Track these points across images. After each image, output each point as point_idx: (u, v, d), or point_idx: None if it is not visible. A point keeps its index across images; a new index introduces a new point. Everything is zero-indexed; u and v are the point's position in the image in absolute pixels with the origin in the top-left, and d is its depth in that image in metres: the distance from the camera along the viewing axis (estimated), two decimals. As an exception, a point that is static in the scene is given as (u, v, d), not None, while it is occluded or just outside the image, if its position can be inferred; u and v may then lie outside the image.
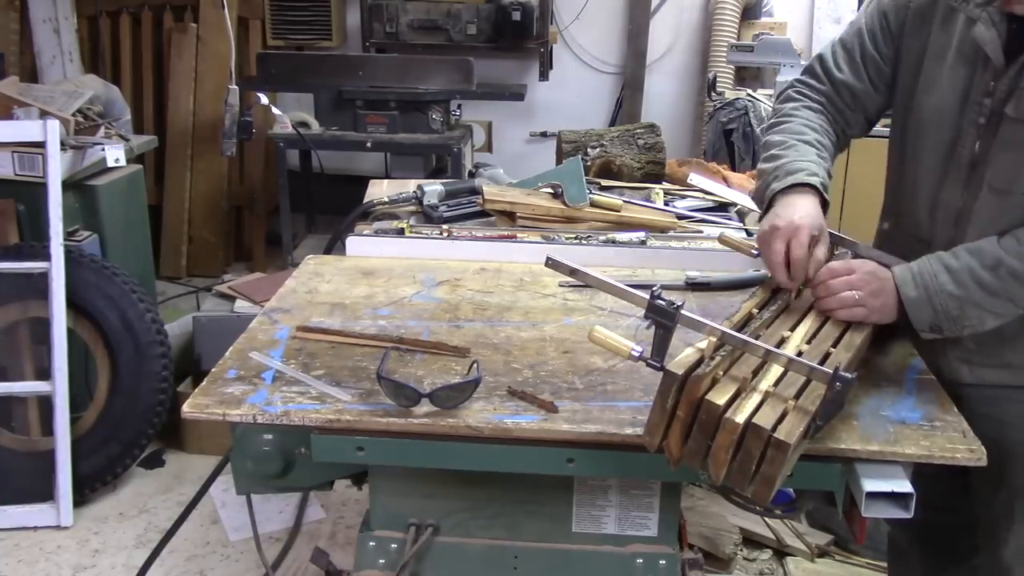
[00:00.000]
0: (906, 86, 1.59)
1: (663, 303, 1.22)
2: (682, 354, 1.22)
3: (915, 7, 1.57)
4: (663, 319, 1.22)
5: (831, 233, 1.60)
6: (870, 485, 1.23)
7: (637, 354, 1.22)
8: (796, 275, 1.47)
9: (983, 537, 1.65)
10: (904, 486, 1.23)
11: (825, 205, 1.53)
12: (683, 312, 1.23)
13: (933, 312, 1.42)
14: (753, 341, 1.26)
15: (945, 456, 1.27)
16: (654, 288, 1.25)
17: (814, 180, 1.51)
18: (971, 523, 1.68)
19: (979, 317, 1.41)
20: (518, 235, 2.11)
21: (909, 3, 1.58)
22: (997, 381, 1.53)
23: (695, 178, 1.84)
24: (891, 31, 1.60)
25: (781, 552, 2.68)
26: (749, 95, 3.53)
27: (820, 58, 1.70)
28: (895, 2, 1.60)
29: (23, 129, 2.91)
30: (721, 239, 1.81)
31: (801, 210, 1.47)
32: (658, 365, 1.20)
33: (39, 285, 2.77)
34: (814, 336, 1.42)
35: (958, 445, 1.28)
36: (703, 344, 1.24)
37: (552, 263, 1.34)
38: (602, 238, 2.09)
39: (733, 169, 3.01)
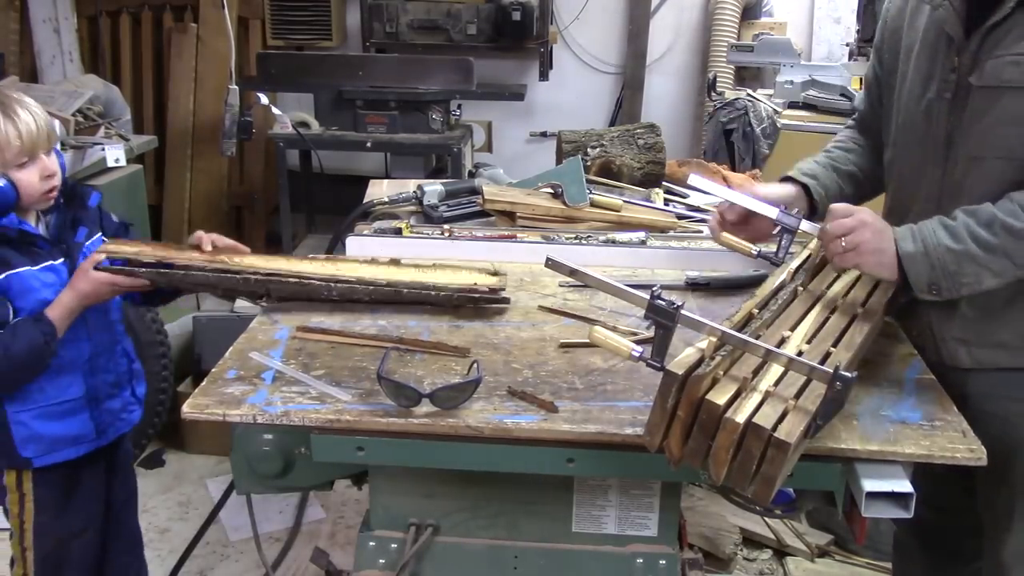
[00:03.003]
0: (890, 90, 1.69)
1: (663, 303, 1.22)
2: (682, 354, 1.22)
3: (889, 21, 1.70)
4: (663, 319, 1.22)
5: None
6: (870, 485, 1.23)
7: (637, 354, 1.22)
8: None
9: (986, 538, 1.65)
10: (904, 486, 1.23)
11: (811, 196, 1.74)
12: (683, 312, 1.23)
13: (931, 267, 1.43)
14: (753, 341, 1.26)
15: (945, 456, 1.27)
16: (654, 288, 1.25)
17: (795, 174, 1.77)
18: (976, 525, 1.68)
19: (976, 274, 1.42)
20: (518, 235, 2.11)
21: (885, 20, 1.72)
22: (995, 363, 1.54)
23: (695, 178, 1.83)
24: (878, 53, 1.75)
25: (781, 552, 2.68)
26: (749, 95, 3.53)
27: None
28: (879, 27, 1.75)
29: (23, 129, 2.91)
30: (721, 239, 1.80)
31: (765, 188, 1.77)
32: (658, 365, 1.20)
33: (39, 285, 2.76)
34: (814, 336, 1.42)
35: (958, 445, 1.28)
36: (703, 344, 1.24)
37: (552, 263, 1.34)
38: (602, 238, 2.09)
39: (733, 169, 3.01)
